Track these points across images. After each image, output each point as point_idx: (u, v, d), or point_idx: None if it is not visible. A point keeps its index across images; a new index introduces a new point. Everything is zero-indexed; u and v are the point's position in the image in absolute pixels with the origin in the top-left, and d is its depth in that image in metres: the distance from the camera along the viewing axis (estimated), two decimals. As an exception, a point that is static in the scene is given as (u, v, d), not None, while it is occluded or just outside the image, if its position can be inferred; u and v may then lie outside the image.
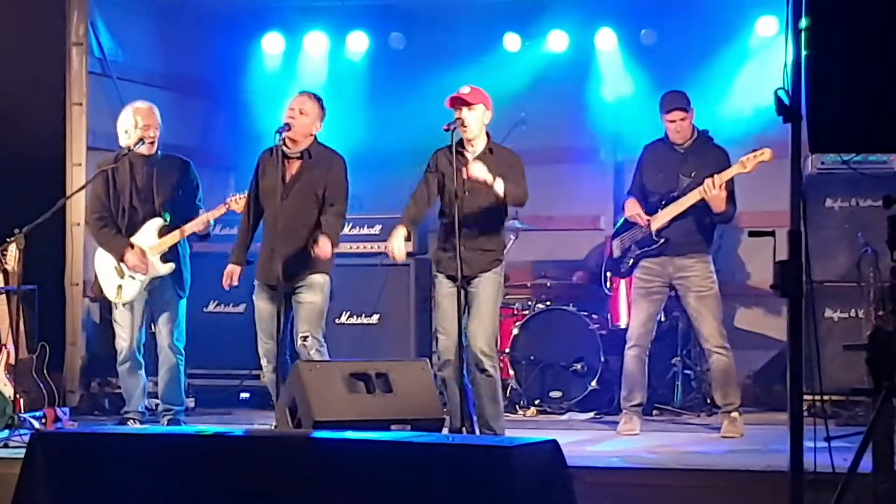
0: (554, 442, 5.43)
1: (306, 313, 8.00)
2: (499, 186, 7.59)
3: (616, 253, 8.86)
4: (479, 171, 7.57)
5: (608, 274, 9.56)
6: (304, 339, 7.95)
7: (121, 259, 8.52)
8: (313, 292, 8.00)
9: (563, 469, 5.41)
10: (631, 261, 8.65)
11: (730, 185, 8.25)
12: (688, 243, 8.40)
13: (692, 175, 8.33)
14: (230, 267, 8.20)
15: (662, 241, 8.42)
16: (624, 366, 8.61)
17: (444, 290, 7.75)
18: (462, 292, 7.66)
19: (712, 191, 8.14)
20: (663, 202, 8.43)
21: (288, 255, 7.87)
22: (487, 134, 7.84)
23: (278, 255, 7.83)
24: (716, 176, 8.15)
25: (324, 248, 7.87)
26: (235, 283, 8.21)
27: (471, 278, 7.73)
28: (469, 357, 7.71)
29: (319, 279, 8.02)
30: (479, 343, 7.70)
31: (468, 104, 7.70)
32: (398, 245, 7.80)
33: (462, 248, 7.53)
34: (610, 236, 10.26)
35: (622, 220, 8.87)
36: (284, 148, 7.96)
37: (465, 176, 7.58)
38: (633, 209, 8.57)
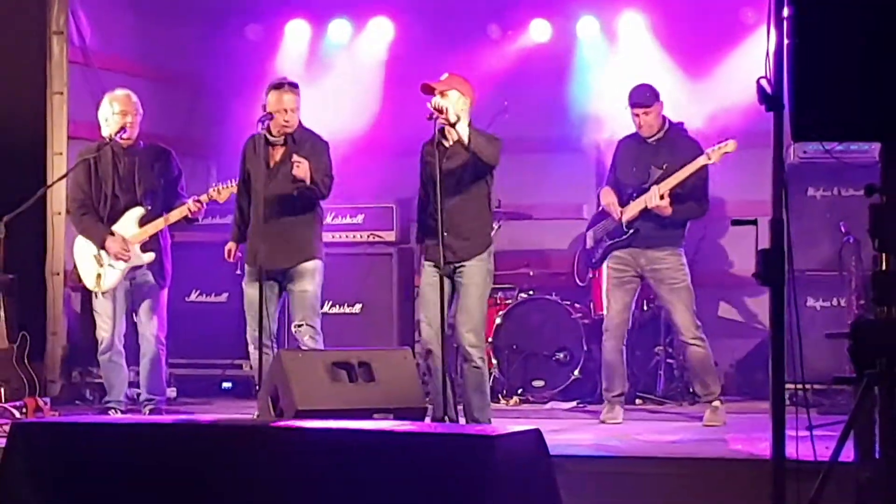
0: (537, 431, 5.43)
1: (300, 301, 8.02)
2: (462, 129, 7.50)
3: (589, 243, 8.92)
4: (440, 101, 7.50)
5: (580, 263, 9.57)
6: (299, 326, 7.96)
7: (101, 246, 8.49)
8: (305, 280, 8.02)
9: (545, 458, 5.40)
10: (601, 251, 8.67)
11: (700, 178, 8.28)
12: (658, 236, 8.42)
13: (663, 166, 8.37)
14: (230, 244, 8.28)
15: (632, 231, 8.45)
16: (602, 357, 8.62)
17: (429, 279, 7.74)
18: (448, 281, 7.66)
19: (653, 202, 8.22)
20: (635, 194, 8.47)
21: (275, 240, 7.88)
22: (470, 124, 7.77)
23: (266, 241, 7.83)
24: (675, 174, 8.19)
25: (300, 165, 7.86)
26: (234, 258, 8.27)
27: (457, 266, 7.72)
28: (459, 350, 7.71)
29: (311, 266, 8.05)
30: (466, 334, 7.68)
31: (432, 90, 7.63)
32: None
33: (445, 235, 7.52)
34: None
35: (597, 211, 8.89)
36: (268, 135, 7.97)
37: (431, 106, 7.47)
38: (607, 198, 8.62)
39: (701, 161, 8.24)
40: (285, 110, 8.01)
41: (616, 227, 8.55)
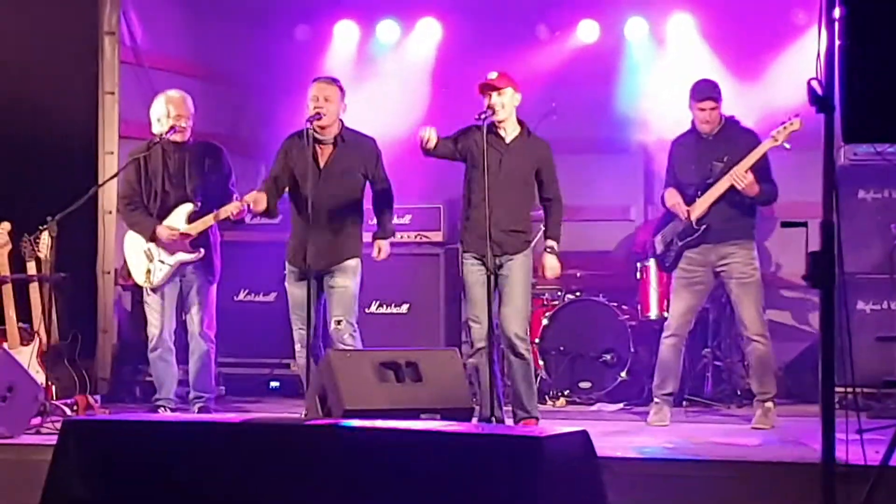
0: (584, 432, 5.43)
1: (339, 297, 8.05)
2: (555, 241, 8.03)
3: (659, 248, 8.78)
4: (555, 270, 8.08)
5: (648, 265, 9.50)
6: (338, 322, 7.99)
7: (151, 238, 8.54)
8: (345, 277, 8.06)
9: (592, 459, 5.41)
10: (674, 253, 8.60)
11: (764, 162, 8.23)
12: (729, 229, 8.35)
13: (724, 160, 8.29)
14: (258, 193, 8.20)
15: (703, 228, 8.38)
16: (659, 354, 8.56)
17: (475, 277, 7.78)
18: (492, 275, 7.71)
19: (741, 180, 8.13)
20: (699, 192, 8.40)
21: (323, 240, 7.93)
22: (520, 121, 7.90)
23: (313, 241, 7.87)
24: (740, 164, 8.14)
25: (384, 251, 8.27)
26: (257, 206, 8.17)
27: (501, 261, 7.78)
28: (503, 341, 7.75)
29: (351, 263, 8.10)
30: (513, 327, 7.78)
31: (497, 89, 7.84)
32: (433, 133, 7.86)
33: (494, 230, 7.59)
34: (639, 226, 10.25)
35: (662, 214, 8.83)
36: (316, 134, 8.02)
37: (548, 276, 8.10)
38: (672, 198, 8.53)
39: (768, 144, 8.15)
40: (317, 97, 8.05)
41: (686, 227, 8.47)
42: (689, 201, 8.45)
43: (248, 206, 8.37)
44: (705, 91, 8.42)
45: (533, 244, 8.09)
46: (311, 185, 7.90)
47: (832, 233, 4.67)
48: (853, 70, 4.56)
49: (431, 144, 7.81)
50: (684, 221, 8.48)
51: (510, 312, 7.80)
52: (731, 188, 8.23)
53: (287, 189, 8.24)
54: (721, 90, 8.45)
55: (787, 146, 8.15)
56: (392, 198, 8.36)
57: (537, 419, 7.96)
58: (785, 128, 8.09)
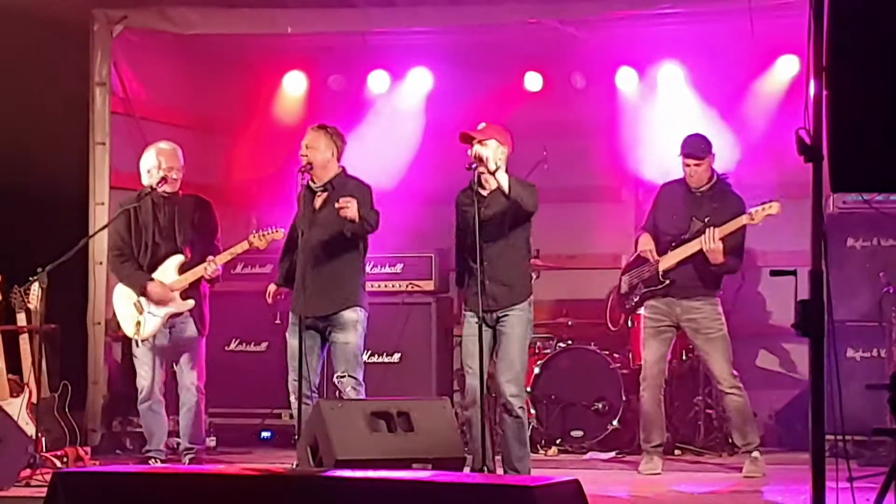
0: (576, 481, 5.42)
1: (342, 353, 8.02)
2: (501, 178, 7.53)
3: (623, 288, 8.88)
4: (481, 150, 7.55)
5: (639, 313, 9.50)
6: (341, 378, 7.96)
7: (142, 293, 8.53)
8: (348, 331, 8.02)
9: (585, 509, 5.40)
10: (636, 298, 8.65)
11: (738, 236, 8.25)
12: (694, 287, 8.41)
13: (705, 220, 8.32)
14: (272, 286, 8.30)
15: (668, 282, 8.43)
16: (641, 407, 8.60)
17: (471, 329, 7.71)
18: (489, 329, 7.70)
19: (710, 244, 8.16)
20: (673, 243, 8.44)
21: (318, 287, 7.92)
22: (507, 173, 7.83)
23: (307, 288, 7.87)
24: (716, 229, 8.16)
25: (347, 204, 7.82)
26: (273, 299, 8.27)
27: (500, 315, 7.74)
28: (499, 399, 7.72)
29: (352, 315, 8.03)
30: (507, 384, 7.70)
31: (472, 139, 7.69)
32: None
33: (487, 283, 7.56)
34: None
35: (633, 256, 8.87)
36: (311, 183, 8.04)
37: (471, 155, 7.57)
38: (646, 244, 8.59)
39: (743, 220, 8.19)
40: (304, 146, 8.09)
41: (651, 276, 8.53)
42: (663, 250, 8.50)
43: (218, 267, 8.47)
44: (687, 147, 8.46)
45: (531, 297, 7.96)
46: (304, 232, 7.93)
47: (821, 281, 4.68)
48: (840, 119, 4.58)
49: None
50: (652, 269, 8.52)
51: (505, 370, 7.72)
52: (701, 250, 8.25)
53: None
54: (711, 146, 8.47)
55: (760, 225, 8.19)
56: (374, 213, 8.03)
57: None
58: (763, 209, 8.13)
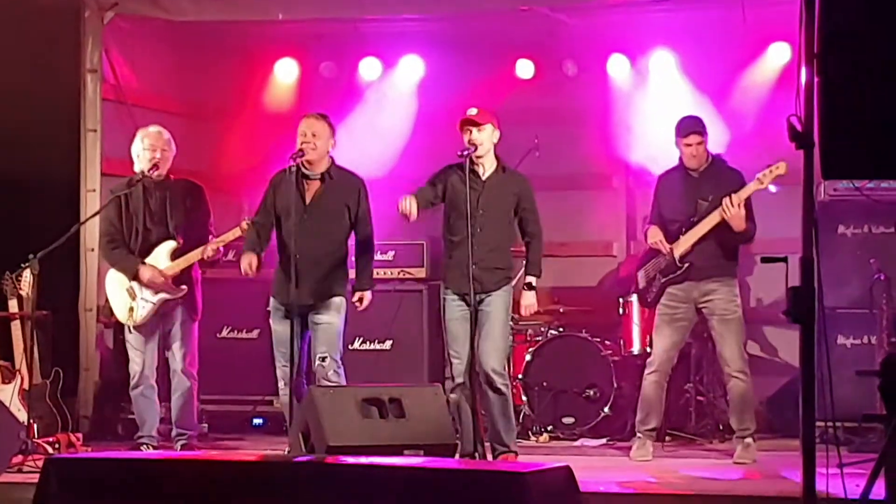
0: (567, 468, 5.44)
1: (325, 335, 8.04)
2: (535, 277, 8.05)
3: (641, 284, 8.84)
4: (531, 308, 8.08)
5: (631, 300, 9.51)
6: (323, 359, 7.97)
7: (134, 277, 8.53)
8: (330, 313, 8.05)
9: (576, 494, 5.42)
10: (656, 289, 8.64)
11: (748, 203, 8.26)
12: (712, 267, 8.41)
13: (709, 199, 8.34)
14: (248, 255, 8.13)
15: (686, 265, 8.42)
16: (642, 390, 8.61)
17: (456, 314, 7.83)
18: (473, 312, 7.77)
19: (731, 210, 8.15)
20: (683, 228, 8.44)
21: (309, 277, 7.95)
22: (497, 156, 7.94)
23: (299, 276, 7.88)
24: (733, 195, 8.17)
25: (363, 303, 8.20)
26: (254, 270, 8.13)
27: (482, 297, 7.82)
28: (481, 376, 7.76)
29: (336, 300, 8.08)
30: (491, 362, 7.81)
31: (477, 125, 7.83)
32: (413, 208, 7.88)
33: (475, 268, 7.64)
34: (622, 262, 10.29)
35: (645, 250, 8.87)
36: (303, 169, 8.02)
37: (523, 312, 8.13)
38: (655, 236, 8.58)
39: (753, 186, 8.19)
40: (305, 133, 8.06)
41: (668, 264, 8.51)
42: (673, 238, 8.49)
43: (219, 251, 8.45)
44: (690, 126, 8.47)
45: (514, 280, 8.10)
46: (295, 220, 7.92)
47: (812, 268, 4.70)
48: (832, 106, 4.60)
49: (413, 216, 7.88)
50: (667, 258, 8.51)
51: (488, 348, 7.84)
52: (715, 227, 8.27)
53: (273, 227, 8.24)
54: (706, 126, 8.49)
55: (773, 189, 8.19)
56: (372, 245, 8.33)
57: (516, 454, 7.97)
58: (771, 171, 8.12)
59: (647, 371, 8.58)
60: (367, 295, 8.20)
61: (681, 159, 8.56)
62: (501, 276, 7.96)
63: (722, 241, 8.37)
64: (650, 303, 8.76)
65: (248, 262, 8.12)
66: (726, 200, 8.17)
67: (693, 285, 8.45)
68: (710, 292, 8.42)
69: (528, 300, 8.09)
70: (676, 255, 8.45)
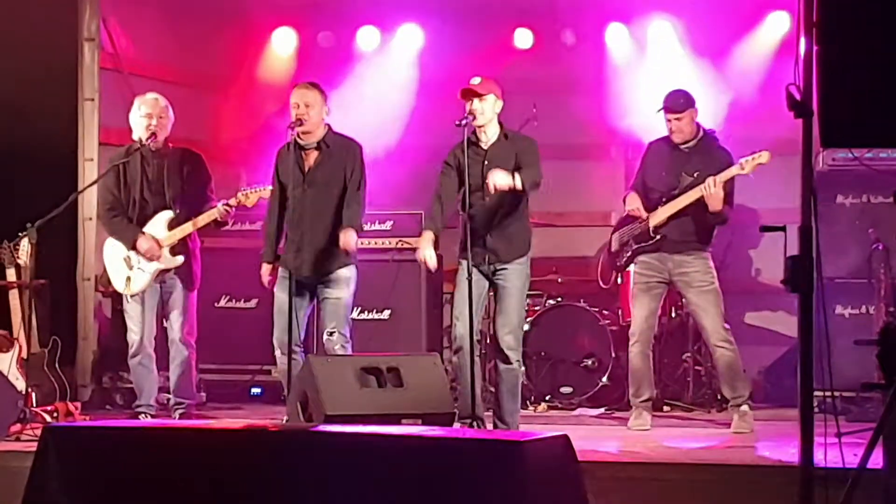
0: (565, 437, 5.44)
1: (333, 308, 8.03)
2: (518, 182, 7.65)
3: (614, 247, 8.93)
4: (500, 180, 7.61)
5: (628, 271, 9.50)
6: (331, 334, 7.97)
7: (132, 247, 8.52)
8: (340, 287, 8.04)
9: (574, 464, 5.42)
10: (627, 255, 8.68)
11: (729, 186, 8.25)
12: (685, 241, 8.42)
13: (694, 175, 8.33)
14: (264, 267, 8.22)
15: (659, 237, 8.44)
16: (630, 362, 8.63)
17: (465, 275, 7.75)
18: (487, 281, 7.76)
19: (711, 189, 8.14)
20: (663, 199, 8.46)
21: (314, 246, 7.95)
22: (500, 123, 7.91)
23: (303, 247, 7.88)
24: (716, 176, 8.16)
25: (349, 241, 7.93)
26: (273, 281, 8.19)
27: (498, 268, 7.81)
28: (495, 350, 7.78)
29: (346, 273, 8.07)
30: (506, 336, 7.80)
31: (479, 95, 7.81)
32: (430, 254, 7.88)
33: (489, 238, 7.61)
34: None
35: (624, 215, 8.89)
36: (299, 140, 8.00)
37: (490, 191, 7.64)
38: (633, 203, 8.61)
39: (734, 171, 8.19)
40: (297, 104, 8.03)
41: (642, 232, 8.55)
42: (652, 207, 8.51)
43: (232, 209, 8.41)
44: (667, 102, 8.46)
45: (531, 252, 8.02)
46: (296, 191, 7.91)
47: (811, 237, 4.70)
48: (831, 74, 4.59)
49: (433, 263, 7.95)
50: (642, 226, 8.53)
51: (504, 322, 7.82)
52: (694, 203, 8.27)
53: None
54: (693, 101, 8.46)
55: (751, 175, 8.18)
56: (361, 196, 8.13)
57: (516, 432, 7.97)
58: (753, 159, 8.12)
59: (630, 343, 8.59)
60: (352, 234, 7.93)
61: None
62: (517, 245, 7.90)
63: (697, 218, 8.36)
64: (619, 267, 8.87)
65: (266, 273, 8.23)
66: (709, 180, 8.16)
67: (666, 256, 8.47)
68: (683, 264, 8.43)
69: (499, 177, 7.63)
70: (651, 224, 8.47)
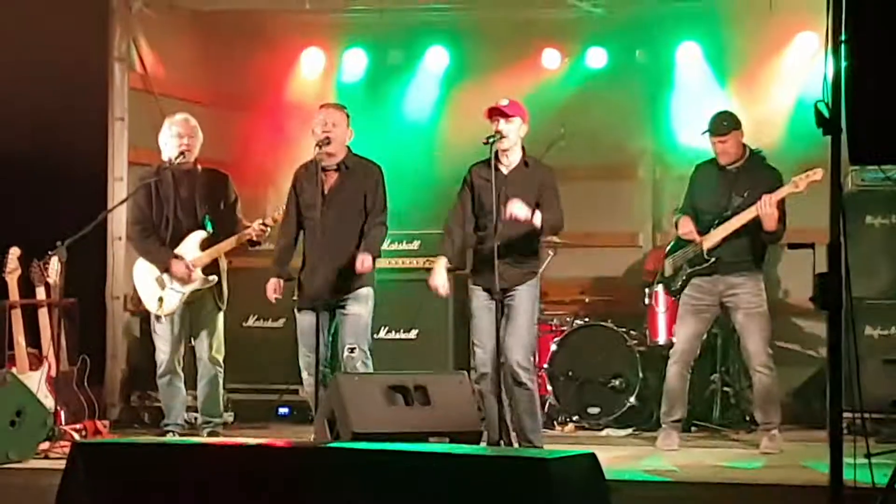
0: (592, 455, 5.41)
1: (352, 326, 8.05)
2: (537, 220, 7.69)
3: (668, 272, 8.83)
4: (518, 210, 7.63)
5: (657, 290, 9.47)
6: (351, 350, 7.98)
7: (165, 270, 8.56)
8: (359, 304, 8.07)
9: (601, 482, 5.39)
10: (682, 279, 8.62)
11: (781, 204, 8.22)
12: (739, 262, 8.37)
13: (744, 195, 8.29)
14: (272, 281, 8.23)
15: (714, 259, 8.40)
16: (666, 381, 8.59)
17: (480, 303, 7.82)
18: (499, 305, 7.73)
19: (766, 208, 8.11)
20: (716, 221, 8.42)
21: (332, 268, 7.98)
22: (523, 148, 7.92)
23: (322, 268, 7.90)
24: (769, 195, 8.13)
25: (364, 265, 7.96)
26: (280, 294, 8.24)
27: (507, 291, 7.80)
28: (505, 370, 7.75)
29: (364, 292, 8.09)
30: (516, 356, 7.77)
31: (506, 116, 7.82)
32: (441, 281, 7.92)
33: (500, 262, 7.60)
34: (647, 253, 10.26)
35: (675, 239, 8.84)
36: (320, 160, 8.01)
37: (504, 216, 7.66)
38: (686, 227, 8.56)
39: (788, 189, 8.12)
40: (325, 122, 8.07)
41: (697, 255, 8.50)
42: (705, 230, 8.47)
43: (267, 228, 8.43)
44: (711, 125, 8.44)
45: (540, 273, 8.06)
46: (317, 212, 7.94)
47: (839, 254, 4.68)
48: (859, 91, 4.58)
49: (446, 291, 8.03)
50: (696, 249, 8.50)
51: (513, 342, 7.81)
52: (748, 223, 8.23)
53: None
54: (739, 122, 8.44)
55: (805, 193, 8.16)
56: (384, 220, 8.21)
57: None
58: (808, 176, 8.04)
59: (670, 361, 8.57)
60: (368, 259, 8.01)
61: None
62: (527, 270, 7.92)
63: (752, 238, 8.33)
64: (674, 291, 8.75)
65: (273, 287, 8.25)
66: (765, 198, 8.12)
67: (719, 278, 8.43)
68: (735, 286, 8.39)
69: (518, 208, 7.67)
70: (706, 247, 8.43)
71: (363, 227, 8.16)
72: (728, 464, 7.76)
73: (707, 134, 8.47)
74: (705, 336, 9.58)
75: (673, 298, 8.97)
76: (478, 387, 7.85)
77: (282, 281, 8.24)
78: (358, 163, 8.21)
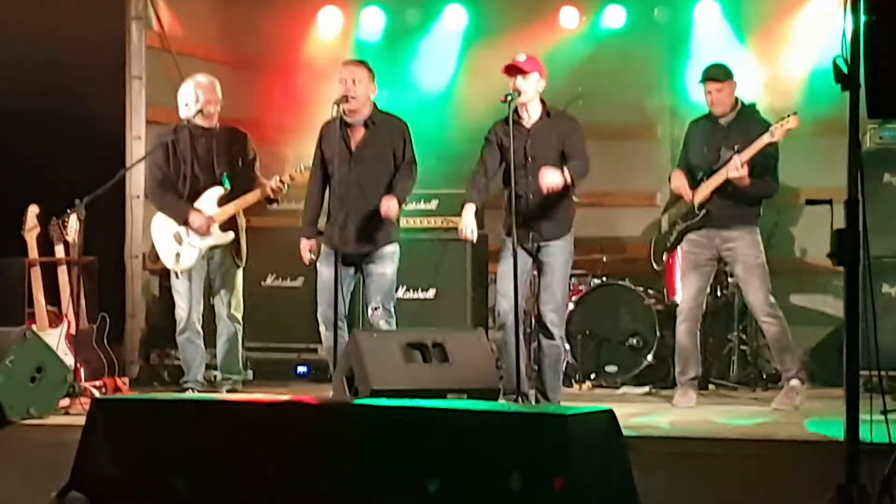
0: (610, 411, 5.44)
1: (378, 284, 8.07)
2: (569, 177, 7.71)
3: (664, 227, 8.89)
4: (552, 180, 7.65)
5: (656, 248, 9.50)
6: (376, 309, 8.01)
7: (184, 222, 8.56)
8: (384, 263, 8.08)
9: (618, 438, 5.42)
10: (675, 234, 8.66)
11: (767, 157, 8.19)
12: (731, 216, 8.38)
13: (735, 148, 8.27)
14: (304, 242, 8.22)
15: (704, 213, 8.41)
16: (676, 341, 8.62)
17: (510, 253, 7.75)
18: (531, 258, 7.78)
19: (734, 172, 8.10)
20: (706, 176, 8.43)
21: (359, 223, 7.97)
22: (543, 101, 7.91)
23: (349, 223, 7.91)
24: (739, 154, 8.11)
25: (391, 209, 7.95)
26: (315, 254, 8.22)
27: (541, 246, 7.83)
28: (538, 326, 7.80)
29: (390, 249, 8.11)
30: (549, 312, 7.85)
31: (523, 72, 7.82)
32: (470, 223, 7.87)
33: (533, 216, 7.64)
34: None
35: (670, 195, 8.87)
36: (345, 117, 8.01)
37: (543, 191, 7.67)
38: (677, 181, 8.59)
39: (764, 139, 8.11)
40: (345, 80, 8.04)
41: (689, 210, 8.53)
42: (697, 184, 8.48)
43: (284, 185, 8.48)
44: (709, 72, 8.44)
45: (573, 229, 8.05)
46: (342, 169, 7.93)
47: (857, 209, 4.67)
48: (879, 46, 4.56)
49: (474, 235, 7.92)
50: (687, 204, 8.52)
51: (547, 297, 7.87)
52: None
53: None
54: (732, 73, 8.42)
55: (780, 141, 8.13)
56: (413, 171, 8.18)
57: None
58: (782, 124, 8.03)
59: (678, 321, 8.59)
60: (394, 203, 7.97)
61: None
62: (560, 223, 7.93)
63: (742, 192, 8.31)
64: (668, 247, 8.84)
65: (307, 248, 8.21)
66: (735, 159, 8.12)
67: (714, 232, 8.44)
68: (731, 239, 8.40)
69: (550, 177, 7.70)
70: (695, 201, 8.45)
71: (391, 182, 8.14)
72: (745, 420, 7.78)
73: (702, 83, 8.44)
74: (722, 294, 9.61)
75: (667, 253, 9.00)
76: (498, 335, 7.87)
77: (314, 241, 8.23)
78: (384, 119, 8.20)
